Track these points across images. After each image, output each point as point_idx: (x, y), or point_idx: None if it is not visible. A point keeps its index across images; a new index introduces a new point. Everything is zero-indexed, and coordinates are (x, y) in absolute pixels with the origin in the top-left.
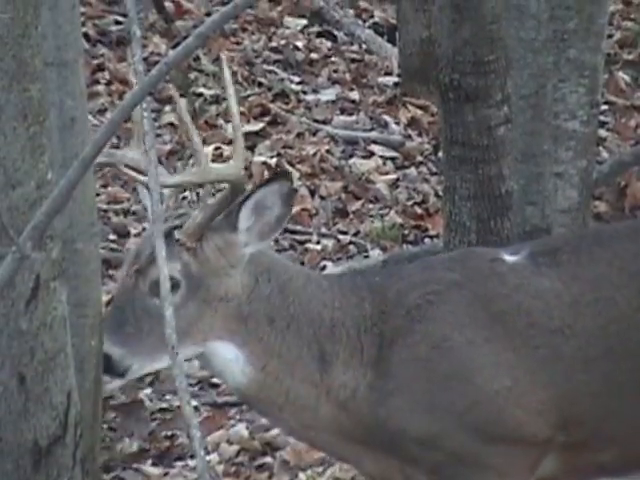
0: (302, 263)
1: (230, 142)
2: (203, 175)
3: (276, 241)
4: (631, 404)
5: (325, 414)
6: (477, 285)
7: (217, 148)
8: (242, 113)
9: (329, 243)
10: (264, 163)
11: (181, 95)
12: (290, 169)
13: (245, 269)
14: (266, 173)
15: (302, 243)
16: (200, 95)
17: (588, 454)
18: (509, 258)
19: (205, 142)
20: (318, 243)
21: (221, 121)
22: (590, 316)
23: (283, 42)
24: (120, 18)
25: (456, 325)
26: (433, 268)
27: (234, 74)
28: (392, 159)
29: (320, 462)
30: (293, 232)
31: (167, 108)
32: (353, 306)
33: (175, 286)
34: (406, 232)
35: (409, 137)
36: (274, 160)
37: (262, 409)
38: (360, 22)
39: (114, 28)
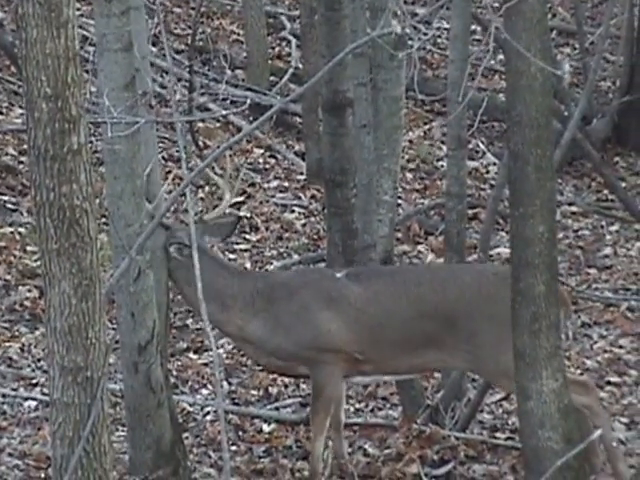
0: None
1: None
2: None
3: None
4: (384, 349)
5: (232, 332)
6: (324, 282)
7: None
8: None
9: None
10: None
11: None
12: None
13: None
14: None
15: None
16: None
17: (358, 364)
18: (337, 274)
19: None
20: None
21: None
22: (376, 304)
23: None
24: None
25: (310, 302)
26: (303, 272)
27: None
28: None
29: None
30: None
31: None
32: (246, 284)
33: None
34: None
35: None
36: None
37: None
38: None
39: None
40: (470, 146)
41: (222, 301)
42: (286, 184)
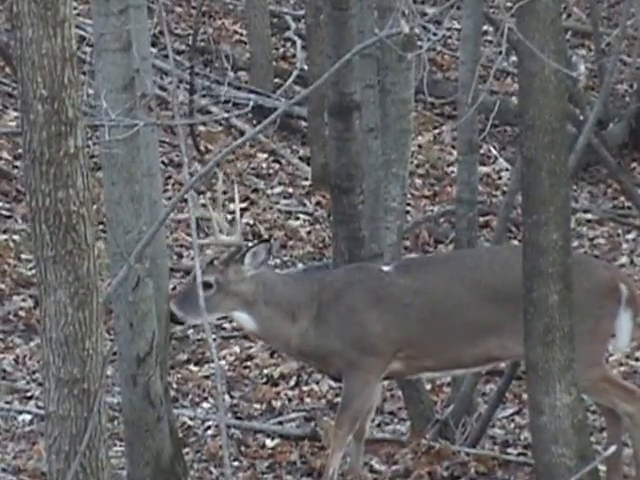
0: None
1: None
2: (220, 241)
3: None
4: (441, 340)
5: (293, 343)
6: (370, 281)
7: None
8: None
9: None
10: None
11: None
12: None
13: (250, 281)
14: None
15: None
16: None
17: (418, 361)
18: (385, 268)
19: None
20: None
21: None
22: (425, 297)
23: None
24: None
25: (359, 301)
26: (348, 271)
27: None
28: None
29: None
30: None
31: None
32: (308, 290)
33: (210, 286)
34: None
35: None
36: None
37: (264, 341)
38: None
39: None
40: (481, 151)
41: (293, 314)
42: (290, 190)
